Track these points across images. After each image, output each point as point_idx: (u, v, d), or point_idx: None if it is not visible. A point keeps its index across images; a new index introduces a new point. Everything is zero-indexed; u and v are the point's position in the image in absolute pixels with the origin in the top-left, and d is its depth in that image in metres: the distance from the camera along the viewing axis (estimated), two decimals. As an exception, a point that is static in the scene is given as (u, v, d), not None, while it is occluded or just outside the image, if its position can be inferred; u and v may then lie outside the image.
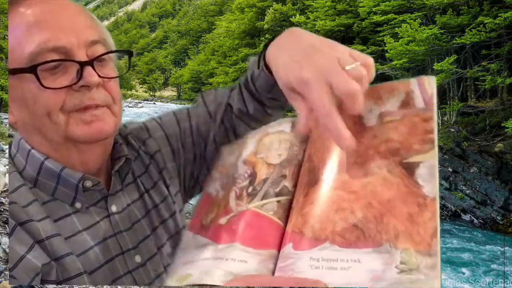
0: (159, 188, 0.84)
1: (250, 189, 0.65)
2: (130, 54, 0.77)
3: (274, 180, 0.64)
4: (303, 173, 0.64)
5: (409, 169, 0.53)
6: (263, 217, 0.61)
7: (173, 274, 0.63)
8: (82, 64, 0.67)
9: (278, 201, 0.62)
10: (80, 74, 0.66)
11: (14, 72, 0.66)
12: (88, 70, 0.67)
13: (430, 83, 0.58)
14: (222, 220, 0.63)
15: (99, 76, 0.68)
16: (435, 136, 0.54)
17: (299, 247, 0.55)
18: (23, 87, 0.67)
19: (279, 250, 0.58)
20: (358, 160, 0.57)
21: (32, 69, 0.64)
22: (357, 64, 0.56)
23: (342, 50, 0.59)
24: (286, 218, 0.61)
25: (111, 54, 0.73)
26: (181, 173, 0.89)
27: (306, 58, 0.58)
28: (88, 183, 0.72)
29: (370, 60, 0.58)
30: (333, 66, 0.55)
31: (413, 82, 0.59)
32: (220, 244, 0.60)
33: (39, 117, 0.67)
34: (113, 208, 0.76)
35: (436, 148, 0.54)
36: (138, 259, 0.76)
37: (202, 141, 0.88)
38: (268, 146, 0.70)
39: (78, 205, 0.72)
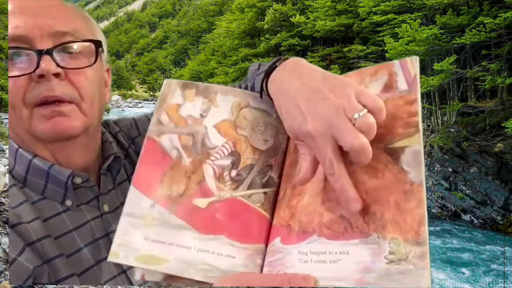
0: None
1: (233, 173, 0.59)
2: (96, 43, 0.71)
3: (260, 169, 0.60)
4: (289, 164, 0.61)
5: (394, 155, 0.52)
6: (251, 209, 0.58)
7: (132, 250, 0.55)
8: (40, 53, 0.64)
9: (265, 193, 0.59)
10: (37, 64, 0.64)
11: None
12: (46, 59, 0.64)
13: (413, 63, 0.56)
14: (201, 202, 0.57)
15: (58, 65, 0.65)
16: (419, 119, 0.52)
17: (287, 241, 0.54)
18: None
19: (266, 244, 0.57)
20: None
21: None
22: (364, 112, 0.51)
23: (348, 94, 0.53)
24: (271, 211, 0.59)
25: (90, 49, 0.70)
26: None
27: (310, 107, 0.54)
28: (78, 180, 0.71)
29: (379, 103, 0.52)
30: (338, 119, 0.51)
31: (396, 64, 0.56)
32: (203, 234, 0.56)
33: (10, 110, 0.66)
34: (105, 208, 0.74)
35: (421, 132, 0.52)
36: None
37: None
38: (251, 122, 0.63)
39: (68, 202, 0.71)
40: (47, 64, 0.64)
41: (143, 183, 0.59)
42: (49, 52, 0.65)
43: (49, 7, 0.68)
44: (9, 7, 0.67)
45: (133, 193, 0.58)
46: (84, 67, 0.68)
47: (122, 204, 0.76)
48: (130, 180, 0.79)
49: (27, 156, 0.69)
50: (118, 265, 0.73)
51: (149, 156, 0.60)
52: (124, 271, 0.74)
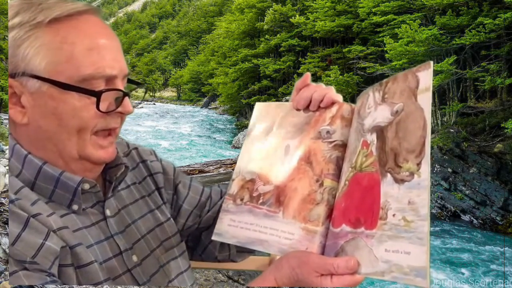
0: (155, 197, 0.90)
1: None
2: (146, 89, 0.87)
3: None
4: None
5: None
6: None
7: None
8: (125, 94, 0.73)
9: None
10: (120, 102, 0.72)
11: (70, 88, 0.67)
12: (127, 100, 0.73)
13: None
14: None
15: None
16: None
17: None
18: (65, 101, 0.68)
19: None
20: None
21: (97, 94, 0.68)
22: None
23: None
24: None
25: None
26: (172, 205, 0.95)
27: None
28: (86, 186, 0.75)
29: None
30: None
31: None
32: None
33: (67, 131, 0.70)
34: (108, 212, 0.79)
35: None
36: (135, 258, 0.79)
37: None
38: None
39: (75, 207, 0.74)
40: (129, 105, 0.73)
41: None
42: (128, 94, 0.74)
43: (120, 48, 0.75)
44: (97, 39, 0.70)
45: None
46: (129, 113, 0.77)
47: (120, 210, 0.82)
48: (130, 189, 0.86)
49: (37, 162, 0.72)
50: (123, 264, 0.77)
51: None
52: (128, 270, 0.78)
